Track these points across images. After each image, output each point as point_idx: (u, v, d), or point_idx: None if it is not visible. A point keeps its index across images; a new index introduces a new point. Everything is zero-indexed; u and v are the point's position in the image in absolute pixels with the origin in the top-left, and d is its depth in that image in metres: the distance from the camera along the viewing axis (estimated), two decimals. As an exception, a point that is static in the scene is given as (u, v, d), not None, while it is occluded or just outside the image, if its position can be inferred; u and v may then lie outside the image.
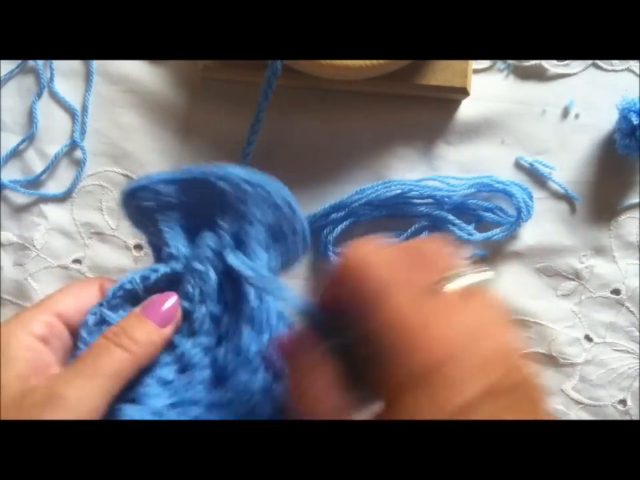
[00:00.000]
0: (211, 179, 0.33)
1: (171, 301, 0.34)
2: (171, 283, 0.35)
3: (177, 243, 0.35)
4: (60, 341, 0.33)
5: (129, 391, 0.32)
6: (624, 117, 0.45)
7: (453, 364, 0.25)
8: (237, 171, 0.33)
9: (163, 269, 0.34)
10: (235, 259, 0.32)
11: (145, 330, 0.32)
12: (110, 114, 0.48)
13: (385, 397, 0.27)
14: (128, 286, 0.34)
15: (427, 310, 0.27)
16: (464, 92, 0.46)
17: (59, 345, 0.33)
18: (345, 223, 0.47)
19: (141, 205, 0.34)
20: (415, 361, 0.26)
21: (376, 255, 0.28)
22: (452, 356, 0.26)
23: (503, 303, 0.29)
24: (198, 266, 0.34)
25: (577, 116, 0.48)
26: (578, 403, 0.49)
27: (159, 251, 0.36)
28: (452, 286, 0.28)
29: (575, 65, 0.48)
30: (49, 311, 0.33)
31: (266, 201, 0.33)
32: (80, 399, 0.29)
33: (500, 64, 0.48)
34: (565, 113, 0.48)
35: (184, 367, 0.33)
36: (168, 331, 0.33)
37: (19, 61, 0.48)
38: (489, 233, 0.47)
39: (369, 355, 0.27)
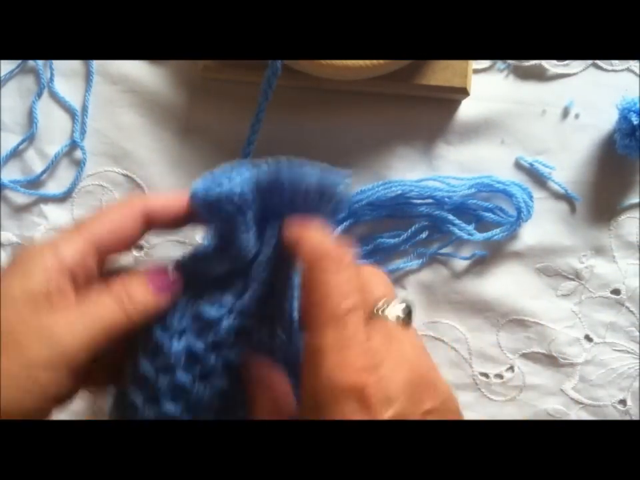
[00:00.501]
0: (284, 182, 0.34)
1: (170, 273, 0.34)
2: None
3: (249, 243, 0.35)
4: (84, 271, 0.32)
5: None
6: (624, 117, 0.45)
7: (378, 384, 0.27)
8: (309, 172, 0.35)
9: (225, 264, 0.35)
10: None
11: (142, 292, 0.33)
12: (110, 114, 0.48)
13: (315, 400, 0.28)
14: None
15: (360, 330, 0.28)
16: (464, 92, 0.46)
17: (83, 275, 0.32)
18: (345, 224, 0.47)
19: (221, 210, 0.34)
20: (322, 386, 0.27)
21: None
22: (379, 376, 0.27)
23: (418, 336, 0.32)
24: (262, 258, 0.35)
25: (577, 116, 0.48)
26: (578, 402, 0.49)
27: (223, 239, 0.35)
28: (389, 311, 0.31)
29: (575, 65, 0.48)
30: (85, 237, 0.32)
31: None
32: (64, 335, 0.30)
33: (500, 64, 0.48)
34: (565, 113, 0.48)
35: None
36: (162, 299, 0.33)
37: (19, 61, 0.48)
38: (489, 233, 0.47)
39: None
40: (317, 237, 0.30)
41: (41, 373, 0.29)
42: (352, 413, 0.26)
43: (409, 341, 0.30)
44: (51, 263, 0.31)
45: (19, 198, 0.49)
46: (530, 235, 0.48)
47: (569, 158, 0.48)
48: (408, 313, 0.31)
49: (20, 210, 0.49)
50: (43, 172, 0.48)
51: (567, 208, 0.48)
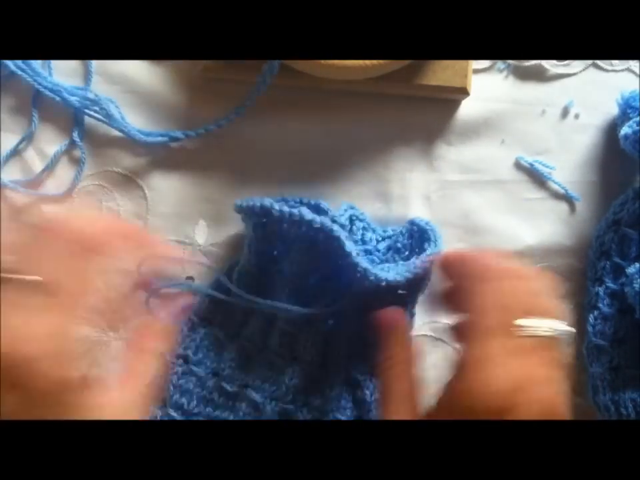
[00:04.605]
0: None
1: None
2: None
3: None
4: None
5: None
6: (624, 110, 0.45)
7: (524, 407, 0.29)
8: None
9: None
10: None
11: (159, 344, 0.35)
12: (110, 114, 0.48)
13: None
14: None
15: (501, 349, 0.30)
16: (464, 92, 0.46)
17: None
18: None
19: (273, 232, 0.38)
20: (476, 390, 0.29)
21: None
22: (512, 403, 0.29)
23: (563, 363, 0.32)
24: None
25: (576, 116, 0.48)
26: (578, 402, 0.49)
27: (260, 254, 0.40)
28: (533, 330, 0.31)
29: (575, 65, 0.48)
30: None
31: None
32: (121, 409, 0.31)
33: (500, 64, 0.48)
34: (565, 113, 0.48)
35: None
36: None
37: (19, 61, 0.48)
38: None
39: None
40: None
41: None
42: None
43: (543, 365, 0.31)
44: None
45: (19, 198, 0.49)
46: (530, 235, 0.48)
47: (568, 158, 0.48)
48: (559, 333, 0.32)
49: (20, 210, 0.49)
50: (43, 171, 0.48)
51: (567, 208, 0.48)
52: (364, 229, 0.45)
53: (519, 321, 0.30)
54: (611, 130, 0.48)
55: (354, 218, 0.44)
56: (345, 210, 0.44)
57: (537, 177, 0.48)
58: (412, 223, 0.44)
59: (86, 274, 0.30)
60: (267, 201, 0.38)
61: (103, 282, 0.32)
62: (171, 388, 0.41)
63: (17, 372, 0.28)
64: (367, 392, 0.40)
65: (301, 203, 0.43)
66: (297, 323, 0.39)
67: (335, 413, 0.40)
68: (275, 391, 0.40)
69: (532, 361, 0.30)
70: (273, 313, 0.40)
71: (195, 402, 0.40)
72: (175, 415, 0.39)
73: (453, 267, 0.35)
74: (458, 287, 0.34)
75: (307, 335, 0.40)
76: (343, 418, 0.40)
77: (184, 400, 0.40)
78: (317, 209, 0.42)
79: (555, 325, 0.31)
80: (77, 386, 0.29)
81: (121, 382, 0.32)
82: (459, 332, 0.34)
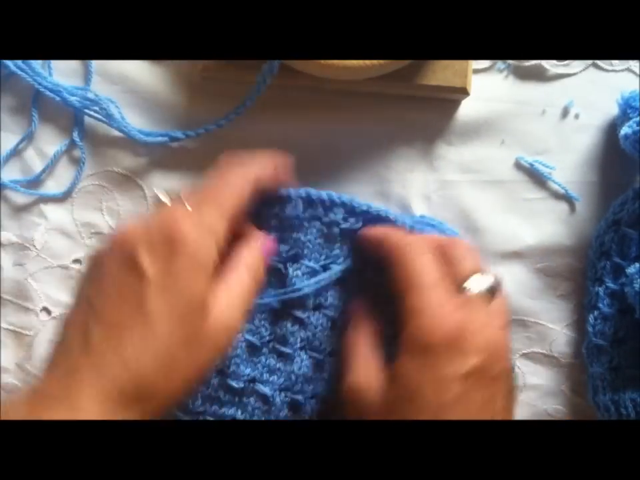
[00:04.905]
0: None
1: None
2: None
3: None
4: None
5: None
6: (624, 110, 0.45)
7: (456, 342, 0.32)
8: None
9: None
10: None
11: (261, 262, 0.37)
12: (110, 114, 0.48)
13: (398, 350, 0.33)
14: None
15: (447, 297, 0.34)
16: (464, 92, 0.46)
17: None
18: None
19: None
20: (424, 330, 0.32)
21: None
22: (457, 336, 0.32)
23: (508, 307, 0.36)
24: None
25: (576, 116, 0.48)
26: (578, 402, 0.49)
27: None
28: (473, 285, 0.35)
29: (575, 65, 0.48)
30: (223, 215, 0.34)
31: None
32: (226, 311, 0.33)
33: (500, 64, 0.48)
34: (565, 113, 0.48)
35: None
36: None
37: (19, 61, 0.48)
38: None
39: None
40: (396, 234, 0.38)
41: (213, 339, 0.32)
42: (445, 357, 0.31)
43: (488, 312, 0.34)
44: (217, 250, 0.33)
45: (19, 198, 0.49)
46: (530, 235, 0.48)
47: (568, 158, 0.48)
48: (495, 284, 0.35)
49: (20, 210, 0.49)
50: (43, 171, 0.48)
51: (567, 208, 0.48)
52: None
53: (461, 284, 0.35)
54: (611, 130, 0.48)
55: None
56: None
57: (537, 177, 0.48)
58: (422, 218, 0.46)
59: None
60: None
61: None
62: None
63: None
64: None
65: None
66: (307, 308, 0.39)
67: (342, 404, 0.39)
68: (284, 382, 0.40)
69: (472, 308, 0.34)
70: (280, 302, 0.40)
71: (199, 401, 0.39)
72: (180, 414, 0.39)
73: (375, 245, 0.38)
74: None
75: (317, 321, 0.40)
76: None
77: (188, 400, 0.39)
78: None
79: (485, 279, 0.35)
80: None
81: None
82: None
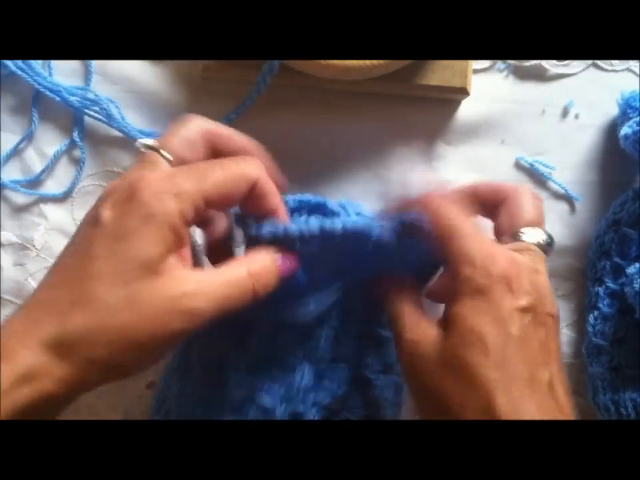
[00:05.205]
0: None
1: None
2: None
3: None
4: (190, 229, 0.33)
5: None
6: (624, 111, 0.45)
7: (510, 281, 0.32)
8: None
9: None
10: None
11: (273, 272, 0.34)
12: (110, 114, 0.48)
13: (449, 299, 0.33)
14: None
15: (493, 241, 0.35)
16: (464, 92, 0.46)
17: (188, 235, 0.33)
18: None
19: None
20: (477, 272, 0.32)
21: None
22: (511, 275, 0.32)
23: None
24: None
25: (576, 116, 0.48)
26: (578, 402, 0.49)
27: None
28: (526, 235, 0.36)
29: (575, 65, 0.48)
30: (201, 194, 0.32)
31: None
32: (195, 291, 0.31)
33: (500, 64, 0.48)
34: (565, 113, 0.48)
35: None
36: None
37: (19, 61, 0.48)
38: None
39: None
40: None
41: (175, 313, 0.30)
42: (501, 295, 0.32)
43: (534, 259, 0.35)
44: (178, 214, 0.31)
45: (19, 198, 0.49)
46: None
47: (568, 158, 0.48)
48: (548, 242, 0.37)
49: (20, 210, 0.49)
50: (42, 171, 0.48)
51: (567, 208, 0.48)
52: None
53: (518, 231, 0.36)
54: (611, 130, 0.48)
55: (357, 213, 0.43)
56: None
57: (537, 177, 0.48)
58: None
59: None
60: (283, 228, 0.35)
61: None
62: (172, 401, 0.40)
63: None
64: (377, 390, 0.40)
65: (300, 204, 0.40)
66: (309, 318, 0.38)
67: (344, 412, 0.39)
68: (286, 393, 0.39)
69: (522, 253, 0.35)
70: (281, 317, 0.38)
71: (200, 410, 0.39)
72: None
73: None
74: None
75: (319, 331, 0.39)
76: (353, 418, 0.39)
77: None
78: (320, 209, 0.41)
79: (538, 233, 0.37)
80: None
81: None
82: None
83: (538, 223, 0.37)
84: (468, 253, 0.33)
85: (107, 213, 0.31)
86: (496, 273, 0.32)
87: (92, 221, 0.31)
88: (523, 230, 0.36)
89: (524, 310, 0.32)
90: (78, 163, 0.48)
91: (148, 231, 0.30)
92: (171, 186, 0.31)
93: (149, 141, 0.34)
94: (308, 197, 0.39)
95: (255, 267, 0.33)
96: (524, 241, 0.36)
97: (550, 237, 0.37)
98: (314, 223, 0.34)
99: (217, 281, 0.31)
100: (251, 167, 0.34)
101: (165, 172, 0.32)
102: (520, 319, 0.31)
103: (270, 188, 0.35)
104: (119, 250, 0.30)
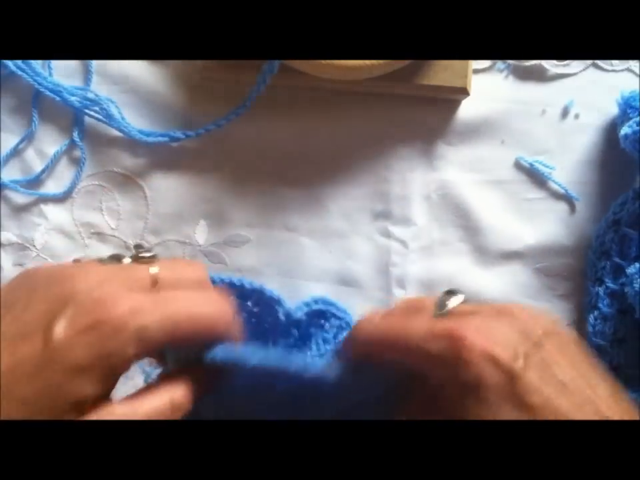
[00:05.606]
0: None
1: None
2: None
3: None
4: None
5: None
6: (624, 110, 0.45)
7: (500, 347, 0.29)
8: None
9: None
10: None
11: (186, 400, 0.32)
12: (110, 114, 0.48)
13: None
14: None
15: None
16: (464, 92, 0.46)
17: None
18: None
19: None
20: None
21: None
22: (496, 342, 0.29)
23: None
24: None
25: (576, 116, 0.48)
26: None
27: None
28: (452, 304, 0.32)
29: (575, 65, 0.48)
30: (167, 328, 0.29)
31: None
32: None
33: (500, 64, 0.48)
34: (565, 113, 0.48)
35: None
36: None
37: (19, 61, 0.48)
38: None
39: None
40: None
41: None
42: (491, 375, 0.29)
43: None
44: (133, 350, 0.29)
45: (19, 198, 0.49)
46: (530, 235, 0.48)
47: (568, 158, 0.48)
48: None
49: (20, 210, 0.49)
50: (42, 171, 0.48)
51: (567, 208, 0.48)
52: (340, 327, 0.41)
53: None
54: (611, 130, 0.48)
55: (328, 315, 0.41)
56: (308, 304, 0.41)
57: (537, 177, 0.48)
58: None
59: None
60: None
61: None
62: None
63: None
64: None
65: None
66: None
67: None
68: None
69: None
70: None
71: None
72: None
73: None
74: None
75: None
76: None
77: None
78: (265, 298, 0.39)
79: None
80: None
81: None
82: None
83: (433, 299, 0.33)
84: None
85: (59, 330, 0.28)
86: (477, 354, 0.29)
87: (43, 328, 0.28)
88: (445, 302, 0.33)
89: (527, 356, 0.29)
90: (78, 162, 0.48)
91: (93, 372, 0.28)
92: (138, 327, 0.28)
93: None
94: (247, 281, 0.39)
95: (174, 398, 0.31)
96: (454, 305, 0.32)
97: (460, 290, 0.34)
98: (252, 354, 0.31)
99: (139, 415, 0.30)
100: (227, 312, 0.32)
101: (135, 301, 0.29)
102: (540, 361, 0.29)
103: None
104: (57, 376, 0.27)
